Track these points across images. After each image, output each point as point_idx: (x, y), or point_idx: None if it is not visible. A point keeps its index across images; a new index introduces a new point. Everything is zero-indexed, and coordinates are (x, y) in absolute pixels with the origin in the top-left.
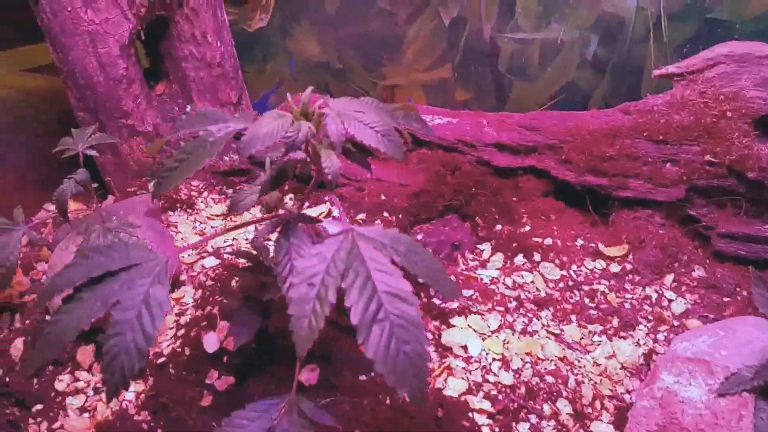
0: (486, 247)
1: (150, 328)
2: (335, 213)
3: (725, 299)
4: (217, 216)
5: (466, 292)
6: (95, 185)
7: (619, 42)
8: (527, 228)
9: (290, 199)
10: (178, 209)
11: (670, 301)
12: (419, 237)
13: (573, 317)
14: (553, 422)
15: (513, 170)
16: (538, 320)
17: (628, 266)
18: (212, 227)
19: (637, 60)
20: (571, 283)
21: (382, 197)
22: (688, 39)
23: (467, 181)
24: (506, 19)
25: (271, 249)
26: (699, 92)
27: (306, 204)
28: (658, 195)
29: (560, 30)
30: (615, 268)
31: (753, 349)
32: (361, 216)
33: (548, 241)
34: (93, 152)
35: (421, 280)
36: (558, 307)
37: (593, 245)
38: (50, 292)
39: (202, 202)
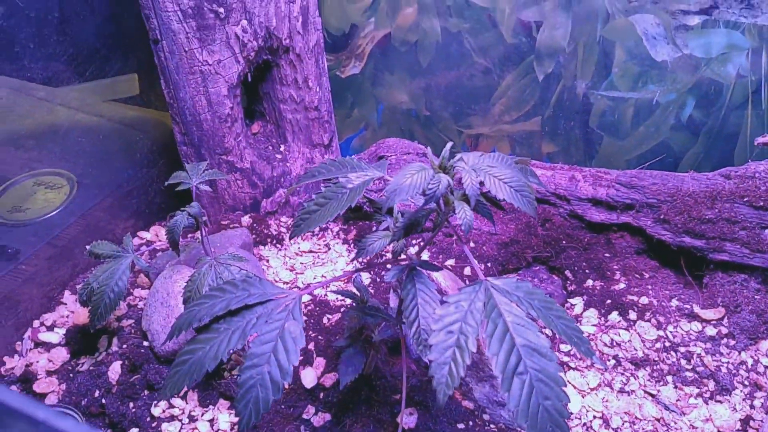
0: (578, 302)
1: (285, 363)
2: (424, 257)
3: None
4: (305, 252)
5: (564, 347)
6: (204, 218)
7: (716, 107)
8: (621, 285)
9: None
10: (268, 244)
11: (766, 367)
12: None
13: (669, 378)
14: None
15: (606, 226)
16: (636, 379)
17: (724, 330)
18: (301, 263)
19: (732, 126)
20: (667, 343)
21: (472, 244)
22: None
23: (558, 234)
24: (601, 78)
25: (370, 288)
26: None
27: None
28: (755, 260)
29: (656, 91)
30: (711, 331)
31: None
32: (450, 262)
33: (644, 299)
34: (207, 188)
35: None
36: (655, 367)
37: (688, 307)
38: (189, 322)
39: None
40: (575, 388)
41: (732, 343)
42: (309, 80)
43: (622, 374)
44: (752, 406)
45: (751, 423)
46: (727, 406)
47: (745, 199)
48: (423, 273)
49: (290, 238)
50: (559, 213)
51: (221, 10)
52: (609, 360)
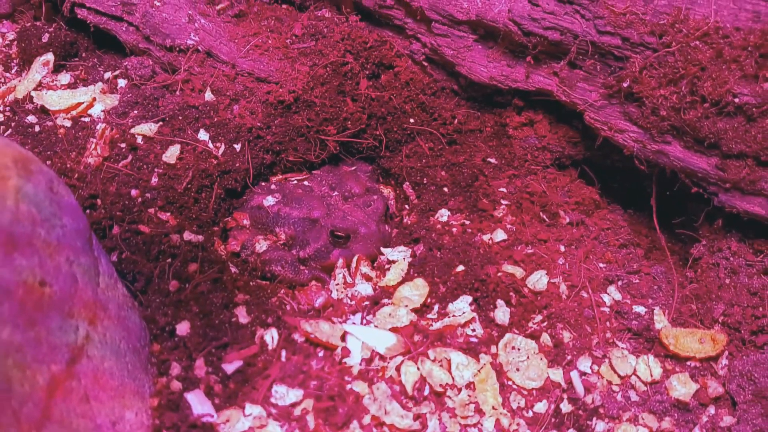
0: (402, 257)
1: None
2: (98, 107)
3: None
4: None
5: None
6: None
7: None
8: (500, 236)
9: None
10: None
11: None
12: (268, 201)
13: None
14: None
15: (500, 93)
16: None
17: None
18: None
19: None
20: None
21: (207, 96)
22: None
23: (401, 100)
24: None
25: None
26: None
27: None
28: None
29: None
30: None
31: None
32: (151, 127)
33: (540, 283)
34: None
35: None
36: None
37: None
38: None
39: None
40: None
41: None
42: None
43: None
44: None
45: None
46: None
47: None
48: None
49: None
50: (412, 50)
51: None
52: None
